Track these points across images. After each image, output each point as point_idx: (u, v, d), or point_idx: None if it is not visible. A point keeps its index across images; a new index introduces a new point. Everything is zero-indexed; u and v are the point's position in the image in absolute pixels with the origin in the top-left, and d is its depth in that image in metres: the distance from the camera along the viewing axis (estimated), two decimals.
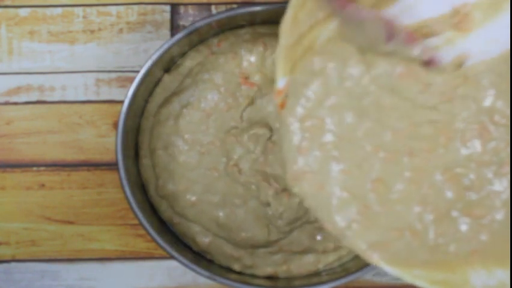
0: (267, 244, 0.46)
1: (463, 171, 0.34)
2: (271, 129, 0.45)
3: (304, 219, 0.46)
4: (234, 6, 0.49)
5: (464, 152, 0.34)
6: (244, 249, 0.46)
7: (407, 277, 0.33)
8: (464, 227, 0.34)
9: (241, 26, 0.46)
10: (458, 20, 0.33)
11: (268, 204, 0.46)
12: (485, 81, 0.34)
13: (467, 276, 0.33)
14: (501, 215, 0.33)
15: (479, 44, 0.33)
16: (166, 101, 0.46)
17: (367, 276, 0.49)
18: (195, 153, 0.46)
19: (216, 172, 0.46)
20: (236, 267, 0.46)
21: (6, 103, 0.49)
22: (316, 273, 0.46)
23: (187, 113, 0.46)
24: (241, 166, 0.46)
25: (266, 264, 0.46)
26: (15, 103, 0.49)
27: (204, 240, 0.46)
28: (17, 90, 0.49)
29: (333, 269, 0.46)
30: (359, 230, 0.34)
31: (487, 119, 0.34)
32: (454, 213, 0.34)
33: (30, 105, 0.49)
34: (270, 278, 0.46)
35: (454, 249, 0.34)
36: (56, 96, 0.49)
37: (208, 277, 0.42)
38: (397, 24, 0.33)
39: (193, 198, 0.46)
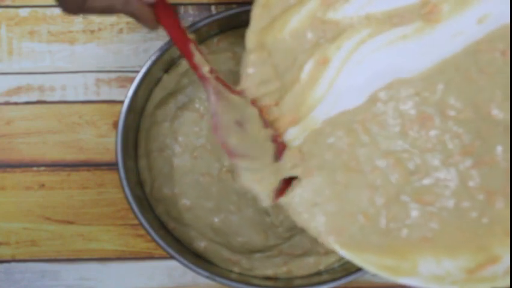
0: (265, 249, 0.46)
1: (405, 156, 0.35)
2: None
3: None
4: (234, 6, 0.49)
5: (405, 138, 0.35)
6: (241, 254, 0.46)
7: (358, 261, 0.34)
8: (414, 213, 0.34)
9: (241, 26, 0.46)
10: (427, 11, 0.34)
11: (266, 213, 0.46)
12: (438, 77, 0.35)
13: (416, 263, 0.34)
14: (451, 204, 0.34)
15: (445, 36, 0.34)
16: (162, 101, 0.46)
17: (367, 276, 0.49)
18: (188, 156, 0.46)
19: (209, 177, 0.46)
20: (235, 269, 0.46)
21: (7, 103, 0.49)
22: (317, 274, 0.46)
23: (182, 114, 0.45)
24: (235, 173, 0.46)
25: (265, 267, 0.46)
26: (16, 103, 0.49)
27: (200, 244, 0.46)
28: (17, 90, 0.49)
29: (333, 269, 0.46)
30: (315, 214, 0.35)
31: (433, 111, 0.34)
32: (404, 198, 0.35)
33: (31, 105, 0.49)
34: (270, 278, 0.46)
35: (405, 235, 0.34)
36: (56, 96, 0.49)
37: (208, 277, 0.42)
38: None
39: (188, 203, 0.46)
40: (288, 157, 0.36)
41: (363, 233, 0.35)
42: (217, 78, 0.36)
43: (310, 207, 0.35)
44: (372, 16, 0.35)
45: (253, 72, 0.36)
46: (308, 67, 0.35)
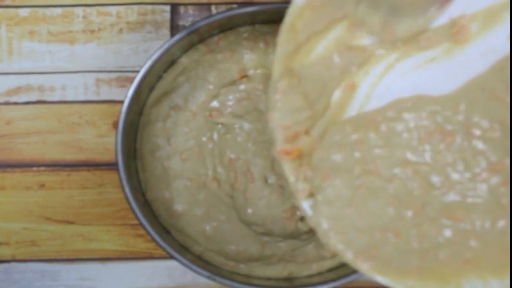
0: (262, 258, 0.45)
1: (424, 168, 0.34)
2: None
3: (303, 230, 0.45)
4: (234, 6, 0.49)
5: (422, 150, 0.34)
6: (237, 261, 0.45)
7: (400, 287, 0.33)
8: (448, 231, 0.34)
9: (241, 26, 0.46)
10: (455, 31, 0.33)
11: (256, 224, 0.45)
12: (463, 97, 0.34)
13: (460, 286, 0.33)
14: (487, 222, 0.33)
15: (475, 56, 0.34)
16: (157, 101, 0.46)
17: (367, 276, 0.49)
18: (178, 158, 0.45)
19: (196, 183, 0.45)
20: (235, 270, 0.45)
21: (6, 103, 0.49)
22: (318, 273, 0.46)
23: (175, 114, 0.45)
24: (222, 182, 0.45)
25: (265, 273, 0.45)
26: (15, 103, 0.49)
27: (196, 249, 0.46)
28: (17, 90, 0.49)
29: (333, 269, 0.46)
30: (340, 236, 0.33)
31: (454, 128, 0.34)
32: (432, 213, 0.34)
33: (31, 105, 0.49)
34: (270, 278, 0.46)
35: (444, 257, 0.33)
36: (56, 96, 0.49)
37: (208, 277, 0.42)
38: None
39: (180, 209, 0.45)
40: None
41: (398, 255, 0.34)
42: None
43: (336, 226, 0.34)
44: (399, 40, 0.34)
45: (283, 99, 0.34)
46: (337, 94, 0.34)
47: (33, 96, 0.49)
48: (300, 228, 0.45)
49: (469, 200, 0.34)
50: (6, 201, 0.49)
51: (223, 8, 0.49)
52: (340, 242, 0.33)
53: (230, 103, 0.45)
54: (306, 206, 0.34)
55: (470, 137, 0.34)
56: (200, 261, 0.45)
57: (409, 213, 0.34)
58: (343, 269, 0.44)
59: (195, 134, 0.45)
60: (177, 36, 0.42)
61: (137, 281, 0.50)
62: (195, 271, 0.42)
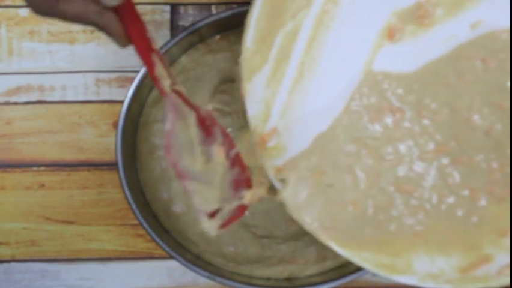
0: (262, 259, 0.45)
1: (374, 143, 0.36)
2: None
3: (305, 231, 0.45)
4: (234, 6, 0.49)
5: (373, 127, 0.36)
6: (236, 263, 0.45)
7: (356, 259, 0.34)
8: (399, 203, 0.35)
9: (241, 26, 0.46)
10: (420, 15, 0.35)
11: (254, 226, 0.45)
12: (417, 79, 0.35)
13: (410, 261, 0.34)
14: (434, 198, 0.35)
15: (438, 40, 0.35)
16: (155, 101, 0.46)
17: (367, 276, 0.49)
18: None
19: None
20: (234, 271, 0.45)
21: (6, 103, 0.49)
22: (318, 273, 0.46)
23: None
24: None
25: (265, 274, 0.45)
26: (16, 103, 0.49)
27: (195, 250, 0.45)
28: (17, 90, 0.49)
29: (334, 268, 0.46)
30: (306, 209, 0.35)
31: (405, 107, 0.35)
32: (384, 184, 0.35)
33: (31, 105, 0.49)
34: (270, 278, 0.46)
35: (395, 228, 0.35)
36: (56, 96, 0.49)
37: (207, 277, 0.42)
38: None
39: (178, 210, 0.45)
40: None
41: (355, 225, 0.35)
42: (179, 94, 0.35)
43: (301, 203, 0.35)
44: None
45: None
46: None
47: (33, 96, 0.49)
48: (303, 229, 0.45)
49: (417, 175, 0.35)
50: (6, 201, 0.49)
51: (223, 8, 0.49)
52: (306, 214, 0.35)
53: (228, 103, 0.45)
54: (277, 182, 0.36)
55: (420, 117, 0.35)
56: (200, 261, 0.45)
57: (363, 185, 0.35)
58: (343, 269, 0.44)
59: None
60: (177, 37, 0.42)
61: (137, 281, 0.50)
62: (195, 271, 0.42)
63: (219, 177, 0.36)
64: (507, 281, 0.32)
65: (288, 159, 0.35)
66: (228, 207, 0.36)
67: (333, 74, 0.36)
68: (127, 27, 0.32)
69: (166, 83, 0.34)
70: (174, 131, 0.34)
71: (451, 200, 0.35)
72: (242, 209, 0.36)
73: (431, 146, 0.35)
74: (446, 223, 0.35)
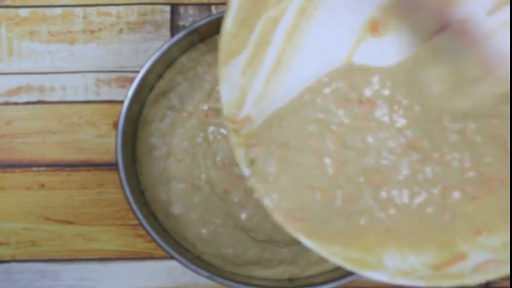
0: (262, 262, 0.45)
1: (337, 128, 0.35)
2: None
3: None
4: None
5: (339, 113, 0.36)
6: (236, 265, 0.45)
7: (325, 253, 0.33)
8: (367, 196, 0.35)
9: None
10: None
11: (252, 230, 0.45)
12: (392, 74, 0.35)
13: (381, 257, 0.33)
14: (405, 194, 0.34)
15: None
16: (155, 100, 0.46)
17: (367, 277, 0.49)
18: (173, 159, 0.45)
19: (190, 186, 0.45)
20: (235, 275, 0.45)
21: (6, 103, 0.49)
22: (318, 274, 0.46)
23: (171, 114, 0.45)
24: (215, 185, 0.45)
25: (265, 275, 0.45)
26: (16, 103, 0.49)
27: (194, 251, 0.45)
28: (17, 90, 0.49)
29: (333, 269, 0.46)
30: (272, 196, 0.34)
31: (376, 99, 0.35)
32: (351, 172, 0.35)
33: (31, 106, 0.49)
34: (270, 278, 0.46)
35: (365, 222, 0.34)
36: (56, 97, 0.49)
37: (207, 277, 0.42)
38: (453, 14, 0.33)
39: (176, 211, 0.45)
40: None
41: (324, 216, 0.34)
42: None
43: (270, 184, 0.34)
44: None
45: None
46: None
47: (34, 97, 0.49)
48: None
49: (386, 168, 0.35)
50: (6, 201, 0.49)
51: (223, 8, 0.49)
52: (271, 202, 0.34)
53: None
54: (244, 169, 0.35)
55: (391, 112, 0.35)
56: (200, 262, 0.45)
57: (330, 170, 0.35)
58: (344, 269, 0.44)
59: (189, 135, 0.45)
60: (177, 36, 0.42)
61: (137, 281, 0.50)
62: (194, 271, 0.42)
63: None
64: (483, 279, 0.32)
65: (252, 135, 0.34)
66: None
67: (312, 64, 0.35)
68: None
69: None
70: None
71: (422, 196, 0.34)
72: None
73: (401, 140, 0.35)
74: (417, 220, 0.34)
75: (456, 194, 0.34)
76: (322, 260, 0.45)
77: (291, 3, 0.34)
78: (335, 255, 0.33)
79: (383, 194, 0.35)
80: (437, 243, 0.34)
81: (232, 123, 0.35)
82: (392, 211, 0.34)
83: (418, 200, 0.34)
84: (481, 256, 0.32)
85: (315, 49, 0.35)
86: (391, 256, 0.34)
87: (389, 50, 0.35)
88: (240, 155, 0.34)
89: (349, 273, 0.42)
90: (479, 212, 0.33)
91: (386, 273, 0.33)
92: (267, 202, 0.34)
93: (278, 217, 0.34)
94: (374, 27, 0.35)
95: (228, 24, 0.33)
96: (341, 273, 0.43)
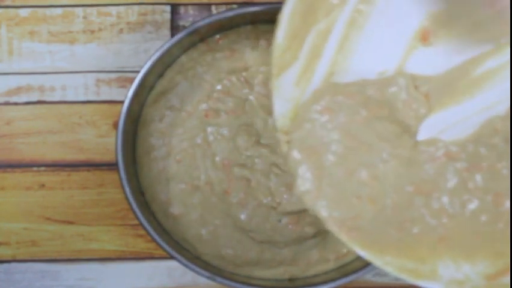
0: (262, 262, 0.45)
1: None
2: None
3: (309, 234, 0.45)
4: (234, 6, 0.49)
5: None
6: (235, 265, 0.45)
7: (379, 263, 0.34)
8: (418, 204, 0.35)
9: (242, 25, 0.46)
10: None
11: (251, 231, 0.45)
12: None
13: (435, 267, 0.34)
14: (456, 202, 0.34)
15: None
16: (154, 100, 0.46)
17: (367, 276, 0.49)
18: (172, 160, 0.45)
19: (190, 187, 0.45)
20: (235, 275, 0.45)
21: (7, 103, 0.49)
22: (318, 274, 0.46)
23: (170, 114, 0.45)
24: (214, 186, 0.45)
25: (266, 275, 0.45)
26: (16, 103, 0.49)
27: (194, 252, 0.45)
28: (17, 90, 0.49)
29: (333, 269, 0.46)
30: (317, 194, 0.34)
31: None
32: (400, 182, 0.35)
33: (31, 106, 0.49)
34: (270, 278, 0.46)
35: (418, 231, 0.34)
36: (56, 97, 0.49)
37: (208, 277, 0.42)
38: None
39: (176, 212, 0.45)
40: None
41: (377, 225, 0.35)
42: None
43: (312, 193, 0.34)
44: None
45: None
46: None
47: (34, 97, 0.49)
48: (307, 232, 0.45)
49: (433, 177, 0.35)
50: (6, 201, 0.49)
51: (223, 8, 0.49)
52: (325, 210, 0.34)
53: (225, 103, 0.45)
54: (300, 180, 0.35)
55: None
56: (200, 262, 0.45)
57: (378, 181, 0.35)
58: (344, 269, 0.44)
59: (189, 135, 0.45)
60: (177, 37, 0.42)
61: (137, 281, 0.50)
62: (194, 271, 0.42)
63: None
64: None
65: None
66: None
67: (365, 73, 0.35)
68: None
69: None
70: None
71: (474, 204, 0.34)
72: None
73: (447, 148, 0.35)
74: (471, 228, 0.34)
75: (507, 202, 0.34)
76: (322, 260, 0.45)
77: (340, 14, 0.34)
78: (389, 264, 0.34)
79: (434, 203, 0.35)
80: (492, 252, 0.34)
81: (285, 135, 0.35)
82: (445, 219, 0.34)
83: (470, 207, 0.34)
84: None
85: (367, 59, 0.35)
86: (445, 265, 0.34)
87: (438, 58, 0.35)
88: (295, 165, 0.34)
89: (349, 273, 0.43)
90: None
91: (441, 283, 0.33)
92: (321, 212, 0.34)
93: (332, 227, 0.34)
94: (424, 36, 0.35)
95: (280, 38, 0.34)
96: (341, 273, 0.43)
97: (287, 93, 0.35)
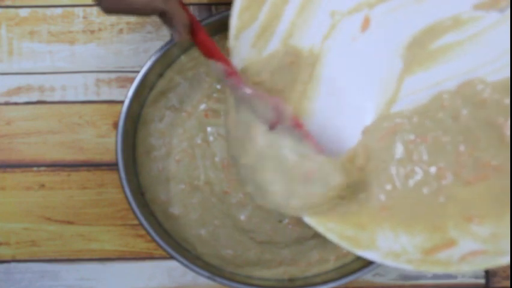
0: (261, 262, 0.45)
1: None
2: None
3: (310, 235, 0.45)
4: None
5: None
6: (235, 265, 0.45)
7: (321, 229, 0.34)
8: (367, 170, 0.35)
9: None
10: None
11: (251, 231, 0.45)
12: None
13: (374, 235, 0.34)
14: (402, 171, 0.35)
15: None
16: (154, 100, 0.45)
17: (367, 277, 0.49)
18: (172, 160, 0.45)
19: (189, 187, 0.45)
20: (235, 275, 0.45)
21: (7, 103, 0.49)
22: (317, 274, 0.46)
23: (170, 114, 0.45)
24: (214, 186, 0.45)
25: (266, 275, 0.45)
26: (16, 103, 0.49)
27: (194, 252, 0.45)
28: (17, 90, 0.49)
29: (333, 269, 0.46)
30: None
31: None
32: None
33: (31, 106, 0.49)
34: (270, 278, 0.46)
35: (363, 198, 0.35)
36: (56, 97, 0.49)
37: (208, 277, 0.42)
38: (284, 109, 0.34)
39: (176, 212, 0.45)
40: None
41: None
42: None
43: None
44: None
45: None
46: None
47: (34, 97, 0.49)
48: (307, 233, 0.45)
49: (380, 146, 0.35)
50: (7, 201, 0.49)
51: (223, 8, 0.49)
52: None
53: (224, 102, 0.45)
54: None
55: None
56: (200, 262, 0.45)
57: None
58: (343, 269, 0.44)
59: (188, 135, 0.45)
60: None
61: (137, 281, 0.50)
62: (194, 271, 0.42)
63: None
64: (468, 269, 0.32)
65: None
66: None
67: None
68: (196, 34, 0.33)
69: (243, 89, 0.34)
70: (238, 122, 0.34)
71: (418, 176, 0.35)
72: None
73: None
74: (413, 199, 0.35)
75: (450, 176, 0.34)
76: (322, 261, 0.45)
77: None
78: (331, 231, 0.34)
79: (381, 173, 0.35)
80: (430, 225, 0.34)
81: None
82: (388, 187, 0.35)
83: (415, 179, 0.35)
84: (470, 245, 0.33)
85: (326, 19, 0.35)
86: (384, 235, 0.34)
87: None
88: None
89: (349, 274, 0.43)
90: (472, 198, 0.34)
91: (378, 253, 0.34)
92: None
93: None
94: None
95: None
96: (340, 274, 0.43)
97: (243, 54, 0.35)
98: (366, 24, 0.35)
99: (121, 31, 0.49)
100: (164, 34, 0.49)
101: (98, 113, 0.49)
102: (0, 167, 0.49)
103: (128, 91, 0.42)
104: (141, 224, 0.42)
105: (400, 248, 0.34)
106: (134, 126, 0.45)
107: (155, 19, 0.49)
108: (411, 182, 0.35)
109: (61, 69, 0.49)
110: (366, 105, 0.35)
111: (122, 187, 0.42)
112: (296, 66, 0.35)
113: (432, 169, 0.34)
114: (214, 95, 0.45)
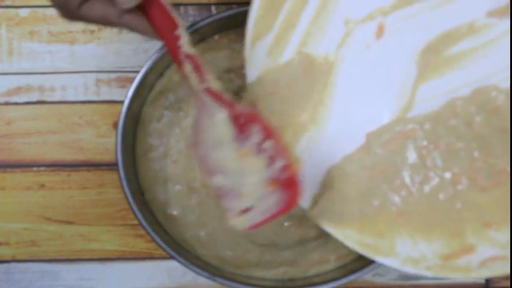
0: (262, 263, 0.45)
1: None
2: None
3: (311, 236, 0.45)
4: (234, 6, 0.49)
5: None
6: (235, 266, 0.45)
7: (340, 236, 0.35)
8: (379, 179, 0.35)
9: (241, 25, 0.46)
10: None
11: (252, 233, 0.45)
12: None
13: (393, 243, 0.34)
14: (417, 178, 0.35)
15: None
16: (153, 99, 0.45)
17: (367, 277, 0.49)
18: (169, 160, 0.45)
19: (186, 188, 0.45)
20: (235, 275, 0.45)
21: (7, 103, 0.49)
22: (317, 274, 0.46)
23: (168, 114, 0.45)
24: (210, 189, 0.44)
25: (265, 275, 0.45)
26: (16, 103, 0.49)
27: (193, 252, 0.45)
28: (17, 90, 0.49)
29: (333, 269, 0.46)
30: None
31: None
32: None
33: (31, 106, 0.49)
34: (270, 279, 0.46)
35: (377, 203, 0.35)
36: (56, 97, 0.49)
37: (207, 277, 0.42)
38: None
39: (175, 213, 0.45)
40: None
41: (340, 202, 0.35)
42: (210, 92, 0.34)
43: None
44: None
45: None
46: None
47: (34, 97, 0.49)
48: (309, 234, 0.44)
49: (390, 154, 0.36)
50: (7, 201, 0.49)
51: (223, 8, 0.49)
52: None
53: None
54: None
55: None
56: (200, 262, 0.45)
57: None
58: (343, 269, 0.44)
59: (185, 135, 0.45)
60: None
61: (137, 281, 0.50)
62: (194, 271, 0.42)
63: (255, 173, 0.33)
64: (488, 274, 0.32)
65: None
66: (263, 206, 0.33)
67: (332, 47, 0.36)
68: (154, 24, 0.33)
69: (194, 81, 0.33)
70: (202, 128, 0.34)
71: (433, 181, 0.35)
72: (286, 207, 0.33)
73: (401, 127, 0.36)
74: (429, 205, 0.35)
75: (465, 181, 0.34)
76: (323, 261, 0.45)
77: None
78: (350, 239, 0.35)
79: (395, 179, 0.35)
80: (448, 231, 0.34)
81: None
82: (404, 193, 0.35)
83: (430, 185, 0.35)
84: (488, 251, 0.33)
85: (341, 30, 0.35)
86: (403, 242, 0.34)
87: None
88: None
89: (349, 274, 0.42)
90: (488, 204, 0.34)
91: (397, 260, 0.34)
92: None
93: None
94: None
95: (255, 8, 0.34)
96: (341, 274, 0.43)
97: (259, 63, 0.35)
98: (380, 32, 0.35)
99: (121, 31, 0.49)
100: None
101: (98, 113, 0.49)
102: (0, 167, 0.49)
103: (128, 91, 0.42)
104: (141, 224, 0.42)
105: (419, 255, 0.34)
106: (134, 126, 0.45)
107: None
108: (426, 188, 0.35)
109: (61, 69, 0.49)
110: (381, 112, 0.35)
111: (122, 187, 0.42)
112: (311, 74, 0.35)
113: (447, 174, 0.35)
114: None
